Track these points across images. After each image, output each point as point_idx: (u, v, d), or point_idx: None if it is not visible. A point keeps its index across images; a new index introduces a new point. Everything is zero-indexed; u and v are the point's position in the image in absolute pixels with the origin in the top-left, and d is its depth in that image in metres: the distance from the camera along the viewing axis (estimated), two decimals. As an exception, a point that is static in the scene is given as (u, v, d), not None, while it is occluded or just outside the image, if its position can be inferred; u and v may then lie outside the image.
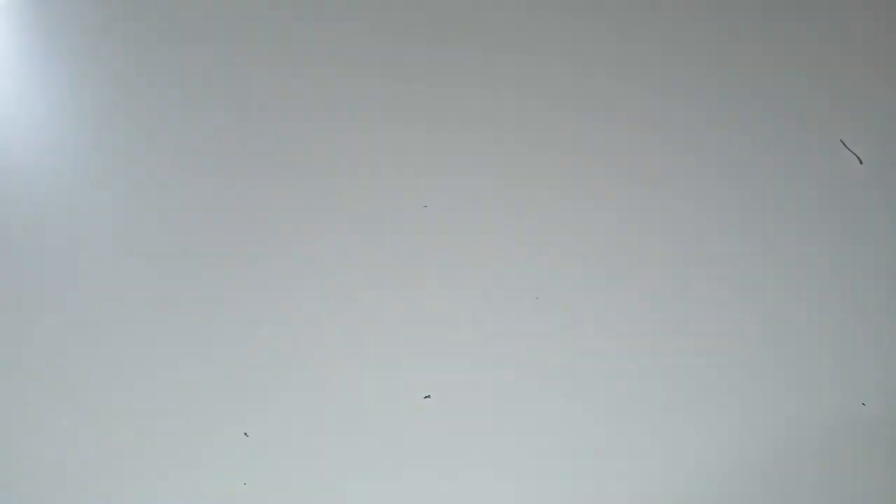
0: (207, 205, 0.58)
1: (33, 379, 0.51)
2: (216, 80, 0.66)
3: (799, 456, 0.48)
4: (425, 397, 0.50)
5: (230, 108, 0.64)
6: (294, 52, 0.67)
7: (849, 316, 0.53)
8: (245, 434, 0.49)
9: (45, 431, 0.49)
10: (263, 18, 0.70)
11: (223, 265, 0.55)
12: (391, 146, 0.62)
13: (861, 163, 0.60)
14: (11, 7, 0.69)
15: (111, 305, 0.54)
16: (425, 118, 0.63)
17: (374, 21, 0.69)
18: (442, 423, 0.49)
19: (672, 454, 0.48)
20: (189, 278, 0.55)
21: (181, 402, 0.50)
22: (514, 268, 0.55)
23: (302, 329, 0.53)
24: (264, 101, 0.64)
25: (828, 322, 0.53)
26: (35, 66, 0.67)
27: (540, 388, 0.51)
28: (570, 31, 0.68)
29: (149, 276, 0.55)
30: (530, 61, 0.66)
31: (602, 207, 0.58)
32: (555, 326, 0.53)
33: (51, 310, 0.54)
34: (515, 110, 0.63)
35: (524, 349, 0.52)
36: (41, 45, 0.69)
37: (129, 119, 0.64)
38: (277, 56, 0.67)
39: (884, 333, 0.53)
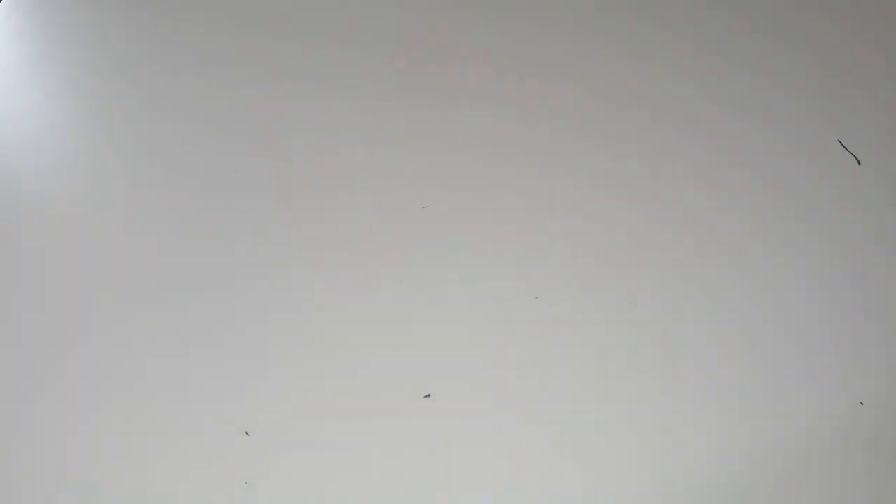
0: (207, 202, 0.58)
1: (31, 376, 0.51)
2: (217, 79, 0.66)
3: (797, 455, 0.48)
4: (425, 396, 0.50)
5: (231, 107, 0.64)
6: (294, 49, 0.67)
7: (848, 315, 0.54)
8: (246, 433, 0.49)
9: (44, 429, 0.49)
10: (264, 20, 0.70)
11: (224, 263, 0.55)
12: (392, 146, 0.62)
13: (859, 163, 0.60)
14: (11, 6, 0.69)
15: (110, 303, 0.54)
16: (426, 117, 0.63)
17: (375, 18, 0.69)
18: (442, 422, 0.49)
19: (672, 454, 0.48)
20: (190, 276, 0.55)
21: (182, 400, 0.50)
22: (514, 268, 0.55)
23: (303, 328, 0.53)
24: (265, 98, 0.64)
25: (827, 321, 0.53)
26: (34, 63, 0.67)
27: (540, 388, 0.51)
28: (573, 31, 0.69)
29: (148, 274, 0.55)
30: (534, 60, 0.67)
31: (603, 207, 0.58)
32: (555, 326, 0.53)
33: (50, 306, 0.54)
34: (517, 110, 0.64)
35: (524, 349, 0.52)
36: (40, 42, 0.69)
37: (129, 115, 0.64)
38: (278, 54, 0.67)
39: (884, 333, 0.53)
